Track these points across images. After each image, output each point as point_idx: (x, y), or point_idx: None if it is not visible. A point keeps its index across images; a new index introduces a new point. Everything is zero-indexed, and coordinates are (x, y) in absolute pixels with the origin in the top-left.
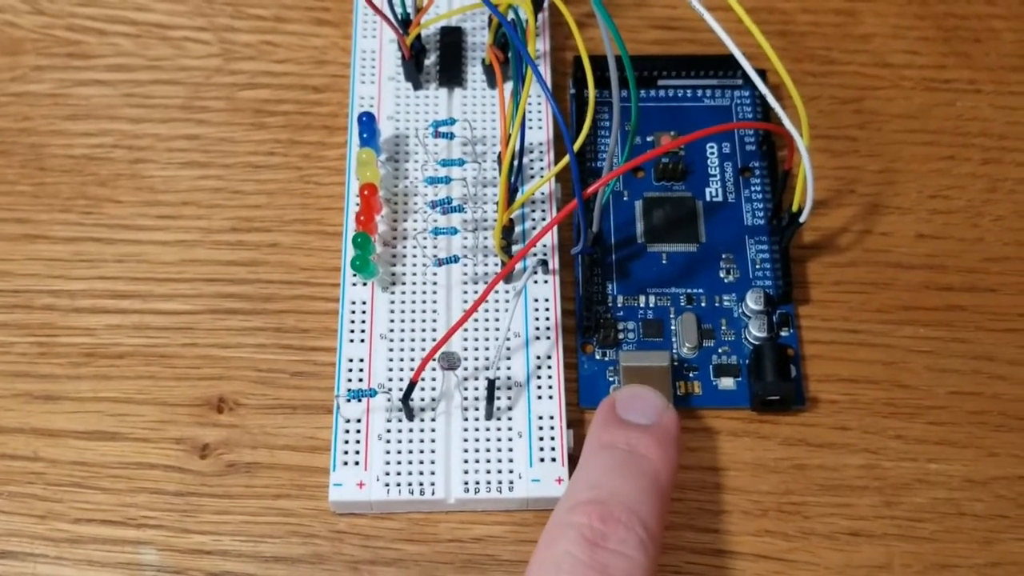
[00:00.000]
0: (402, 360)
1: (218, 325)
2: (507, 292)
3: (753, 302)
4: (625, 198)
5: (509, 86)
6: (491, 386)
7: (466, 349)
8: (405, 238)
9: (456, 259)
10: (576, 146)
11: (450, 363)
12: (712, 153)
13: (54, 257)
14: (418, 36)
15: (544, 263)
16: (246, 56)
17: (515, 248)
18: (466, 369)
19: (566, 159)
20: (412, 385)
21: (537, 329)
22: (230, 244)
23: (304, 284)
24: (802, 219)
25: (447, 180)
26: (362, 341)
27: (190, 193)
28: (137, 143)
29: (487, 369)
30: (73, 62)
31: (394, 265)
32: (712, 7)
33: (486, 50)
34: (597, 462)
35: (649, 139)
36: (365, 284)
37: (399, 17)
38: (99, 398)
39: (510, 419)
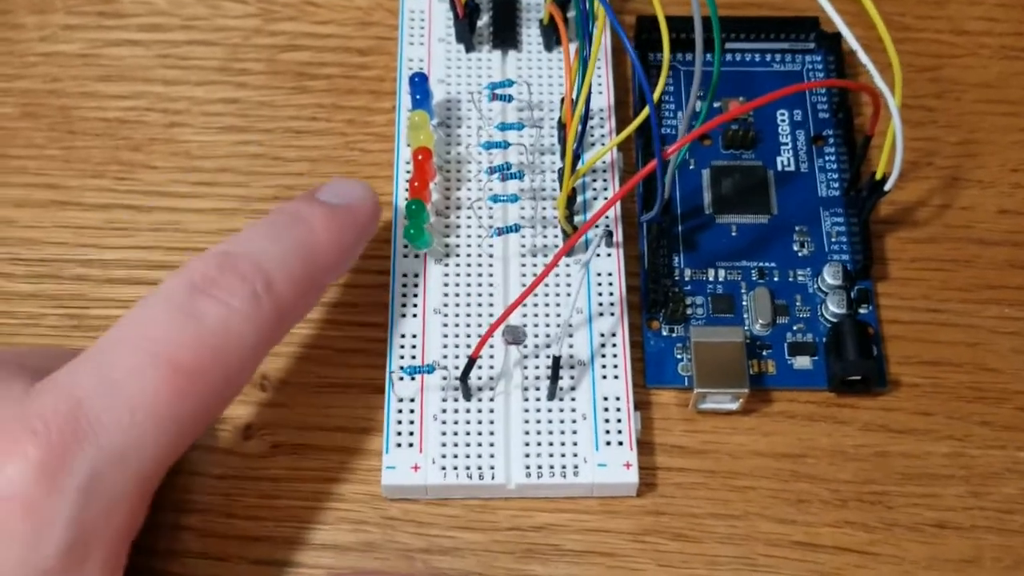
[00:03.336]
0: (457, 336)
1: None
2: (567, 265)
3: (831, 276)
4: (691, 167)
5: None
6: (555, 364)
7: (525, 325)
8: (459, 207)
9: (517, 228)
10: (656, 95)
11: (515, 337)
12: (783, 120)
13: (85, 224)
14: None
15: (609, 234)
16: (286, 17)
17: (577, 219)
18: (526, 347)
19: (643, 115)
20: (471, 362)
21: (600, 304)
22: None
23: None
24: (887, 187)
25: (505, 145)
26: (414, 316)
27: (228, 159)
28: (172, 106)
29: (548, 347)
30: (104, 21)
31: (447, 236)
32: None
33: (545, 9)
34: (256, 224)
35: (716, 105)
36: (417, 256)
37: None
38: None
39: (573, 400)
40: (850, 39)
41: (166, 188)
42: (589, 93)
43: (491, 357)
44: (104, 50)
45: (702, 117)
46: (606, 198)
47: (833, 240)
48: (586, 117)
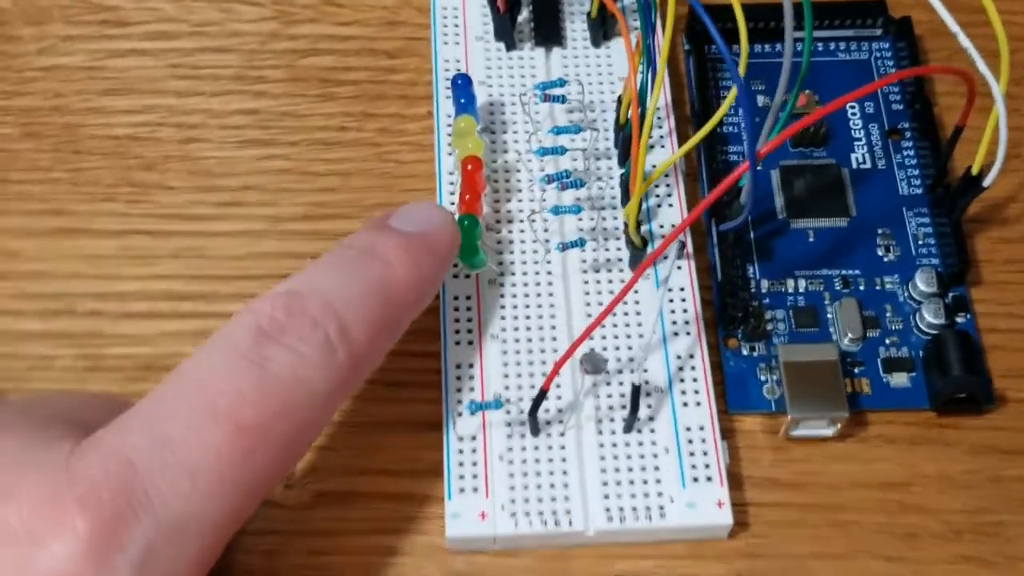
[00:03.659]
0: (519, 364)
1: None
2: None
3: (924, 283)
4: (759, 167)
5: (615, 42)
6: (635, 394)
7: (591, 349)
8: (511, 221)
9: (582, 243)
10: (730, 96)
11: (595, 366)
12: (855, 115)
13: (99, 254)
14: None
15: (682, 245)
16: (306, 19)
17: (643, 229)
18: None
19: (718, 114)
20: (542, 394)
21: (674, 323)
22: (303, 234)
23: None
24: (987, 183)
25: (561, 151)
26: (470, 343)
27: (252, 176)
28: (187, 120)
29: (620, 372)
30: (108, 30)
31: (500, 253)
32: None
33: (593, 0)
34: (324, 259)
35: (783, 99)
36: (468, 276)
37: None
38: None
39: (653, 432)
40: (949, 20)
41: (185, 210)
42: (656, 91)
43: (558, 387)
44: (109, 61)
45: (788, 109)
46: (670, 204)
47: (920, 243)
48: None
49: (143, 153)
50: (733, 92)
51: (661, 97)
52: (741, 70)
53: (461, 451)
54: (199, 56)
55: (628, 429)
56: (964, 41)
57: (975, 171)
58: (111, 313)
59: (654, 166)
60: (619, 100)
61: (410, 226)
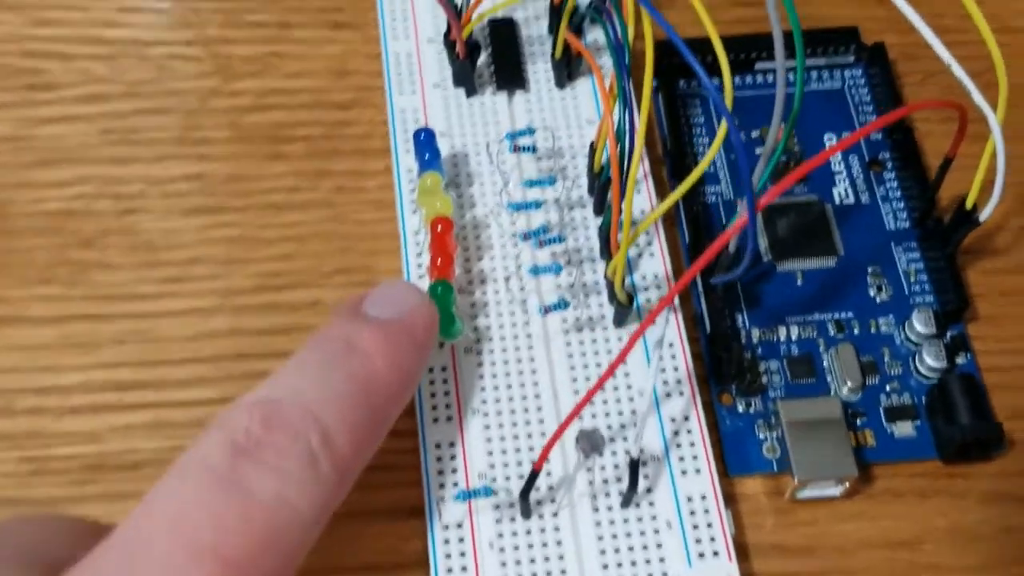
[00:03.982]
0: (503, 440)
1: None
2: (620, 340)
3: (922, 324)
4: (738, 208)
5: (580, 82)
6: (634, 467)
7: (581, 418)
8: (483, 281)
9: (565, 304)
10: (719, 135)
11: (593, 445)
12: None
13: (36, 344)
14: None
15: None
16: (248, 73)
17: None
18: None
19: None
20: (534, 475)
21: (665, 383)
22: (258, 308)
23: None
24: (983, 217)
25: (536, 205)
26: (449, 420)
27: (199, 247)
28: (125, 190)
29: (612, 440)
30: (34, 95)
31: (475, 317)
32: None
33: (558, 40)
34: (300, 356)
35: (754, 135)
36: (442, 345)
37: (456, 7)
38: (115, 523)
39: (652, 505)
40: (939, 48)
41: (128, 289)
42: (632, 132)
43: (548, 462)
44: (37, 130)
45: (779, 150)
46: (652, 254)
47: (913, 280)
48: (632, 160)
49: (79, 228)
50: (720, 135)
51: (630, 134)
52: (729, 106)
53: (447, 540)
54: (135, 119)
55: (626, 504)
56: (958, 71)
57: (969, 204)
58: (53, 409)
59: (641, 212)
60: (592, 146)
61: (386, 311)
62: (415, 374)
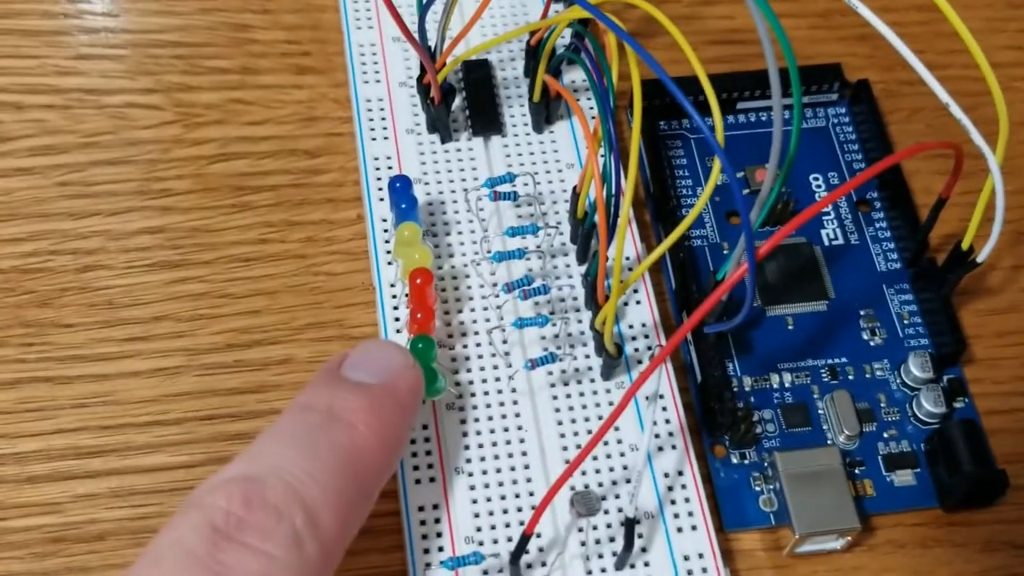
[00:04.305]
0: (490, 500)
1: None
2: (609, 392)
3: (919, 368)
4: (724, 251)
5: (558, 126)
6: (629, 528)
7: (575, 488)
8: (464, 334)
9: (553, 358)
10: (709, 186)
11: (588, 508)
12: (819, 187)
13: None
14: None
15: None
16: (211, 120)
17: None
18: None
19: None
20: (525, 539)
21: (657, 436)
22: (226, 367)
23: None
24: (980, 258)
25: (519, 254)
26: (432, 480)
27: (163, 304)
28: (83, 245)
29: (603, 499)
30: None
31: (456, 372)
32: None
33: (537, 83)
34: (280, 426)
35: (739, 175)
36: (424, 402)
37: (430, 51)
38: None
39: (648, 565)
40: (937, 89)
41: (88, 350)
42: (618, 176)
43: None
44: None
45: (776, 190)
46: (638, 301)
47: (907, 323)
48: (620, 207)
49: (35, 287)
50: (711, 182)
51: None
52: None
53: None
54: (92, 171)
55: (621, 566)
56: (956, 111)
57: (966, 245)
58: (10, 479)
59: (627, 258)
60: (574, 191)
61: (369, 376)
62: (401, 441)
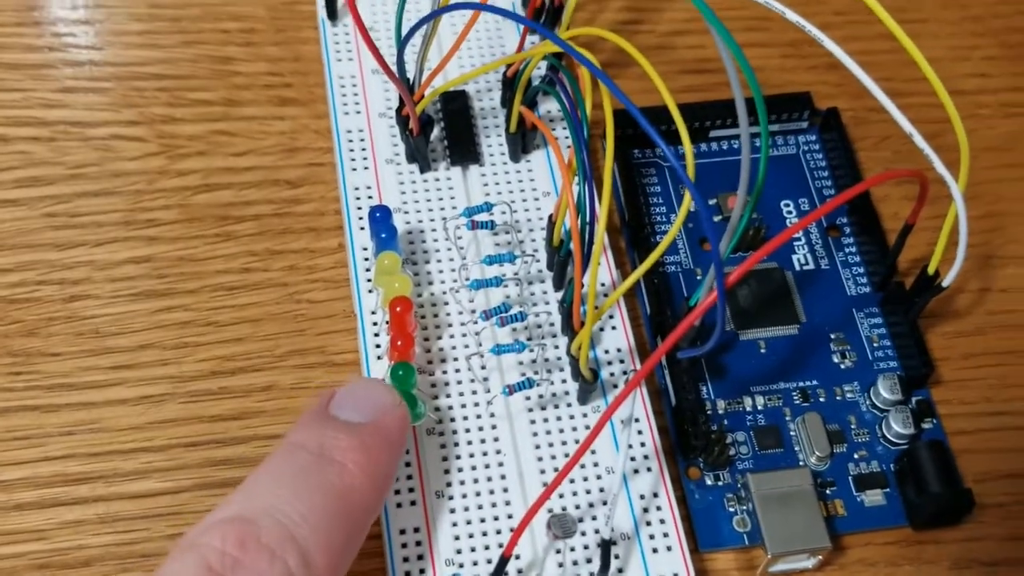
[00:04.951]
0: (470, 523)
1: (212, 504)
2: (585, 417)
3: (888, 391)
4: (698, 277)
5: (535, 155)
6: (606, 550)
7: (553, 510)
8: (444, 360)
9: (530, 384)
10: (680, 216)
11: (564, 530)
12: (790, 213)
13: None
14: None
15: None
16: (195, 151)
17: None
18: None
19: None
20: (504, 561)
21: (632, 459)
22: (211, 394)
23: None
24: (946, 282)
25: (497, 282)
26: (413, 504)
27: (148, 332)
28: (69, 275)
29: (581, 520)
30: None
31: (436, 397)
32: (748, 44)
33: (513, 114)
34: (271, 466)
35: (712, 202)
36: None
37: (409, 83)
38: None
39: None
40: (900, 118)
41: (75, 378)
42: (592, 204)
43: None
44: None
45: (746, 218)
46: (613, 327)
47: (876, 346)
48: (594, 233)
49: (22, 317)
50: (683, 211)
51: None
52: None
53: None
54: (78, 202)
55: None
56: (920, 142)
57: (932, 270)
58: None
59: (602, 285)
60: (550, 219)
61: (357, 414)
62: (389, 479)
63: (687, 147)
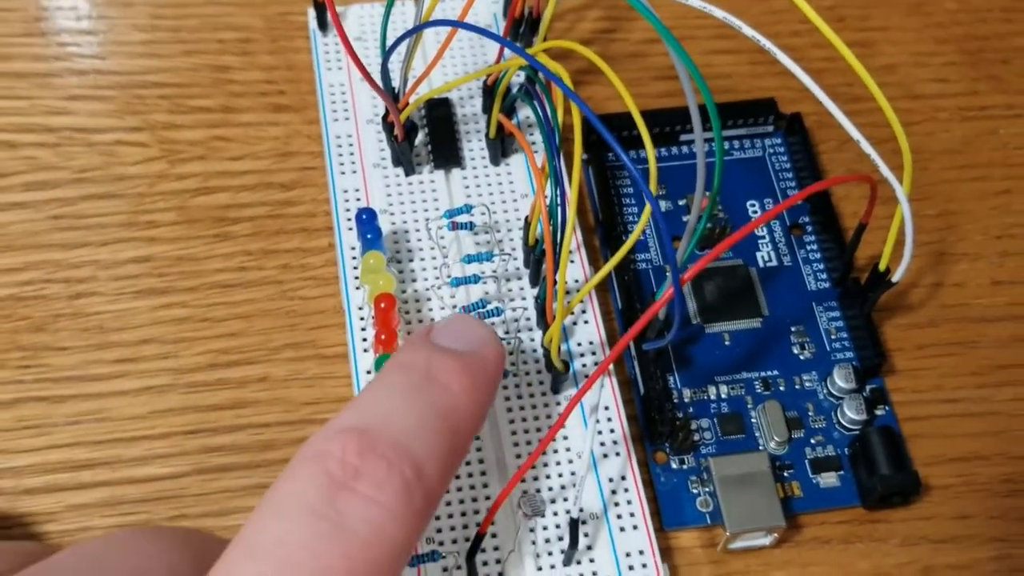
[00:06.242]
0: (449, 504)
1: (210, 488)
2: (558, 405)
3: (843, 380)
4: (667, 273)
5: (514, 159)
6: (574, 527)
7: (524, 480)
8: None
9: (506, 374)
10: (642, 220)
11: (534, 509)
12: (754, 212)
13: None
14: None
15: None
16: (194, 156)
17: (560, 349)
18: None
19: (634, 237)
20: (479, 538)
21: (602, 444)
22: (209, 385)
23: (308, 423)
24: (895, 278)
25: (475, 279)
26: None
27: (150, 328)
28: (75, 274)
29: (553, 502)
30: None
31: None
32: (718, 51)
33: (492, 120)
34: (382, 382)
35: (681, 203)
36: None
37: (394, 91)
38: None
39: (592, 561)
40: (848, 126)
41: (81, 371)
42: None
43: (492, 524)
44: None
45: (704, 220)
46: (586, 321)
47: (834, 338)
48: (564, 234)
49: (30, 314)
50: (646, 214)
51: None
52: (652, 187)
53: None
54: (83, 204)
55: (568, 562)
56: (867, 147)
57: (882, 267)
58: (7, 491)
59: (576, 281)
60: (526, 220)
61: (459, 344)
62: (487, 407)
63: (649, 151)
